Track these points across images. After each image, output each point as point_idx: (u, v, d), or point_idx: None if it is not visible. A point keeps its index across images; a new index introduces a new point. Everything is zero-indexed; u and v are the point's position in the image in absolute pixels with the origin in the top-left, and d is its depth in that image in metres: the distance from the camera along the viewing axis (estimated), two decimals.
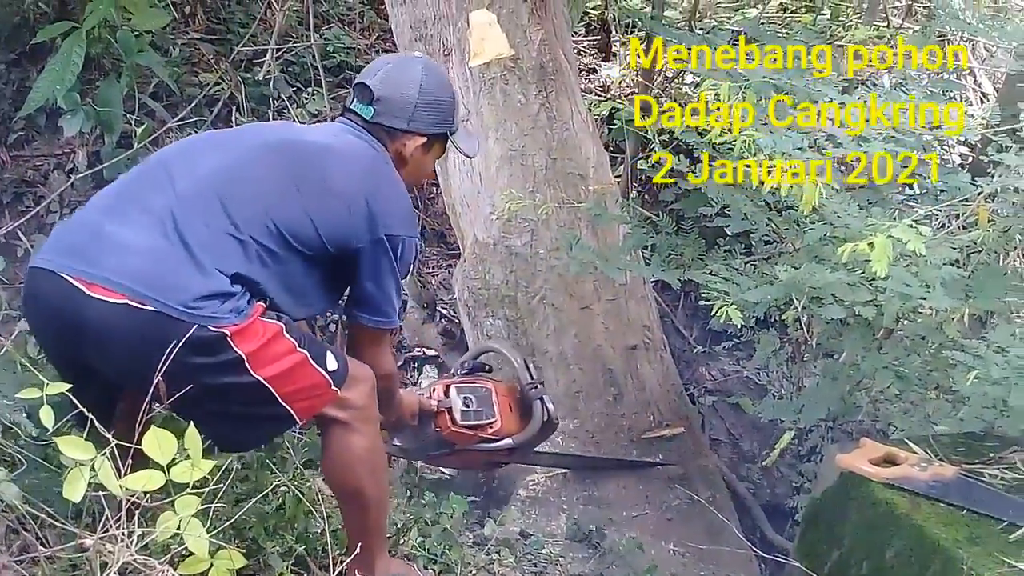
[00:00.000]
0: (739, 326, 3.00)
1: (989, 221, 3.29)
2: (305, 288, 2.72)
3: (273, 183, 2.66)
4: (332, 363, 2.64)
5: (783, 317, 3.76)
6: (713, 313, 2.91)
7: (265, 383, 2.52)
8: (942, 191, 3.35)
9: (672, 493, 3.95)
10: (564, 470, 3.98)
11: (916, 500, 2.82)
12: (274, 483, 3.13)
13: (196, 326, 2.41)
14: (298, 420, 2.65)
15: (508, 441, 3.50)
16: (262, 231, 2.58)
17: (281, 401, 2.57)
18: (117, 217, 2.56)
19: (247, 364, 2.49)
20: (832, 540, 3.00)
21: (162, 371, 2.39)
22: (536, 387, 3.62)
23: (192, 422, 2.64)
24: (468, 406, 3.44)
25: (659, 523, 3.87)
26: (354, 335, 2.90)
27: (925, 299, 2.76)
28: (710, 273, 3.12)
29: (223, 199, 2.58)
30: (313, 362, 2.59)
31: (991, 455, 3.05)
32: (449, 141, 3.01)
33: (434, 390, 3.48)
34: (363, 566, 2.83)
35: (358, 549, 2.83)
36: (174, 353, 2.38)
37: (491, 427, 3.46)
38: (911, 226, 2.29)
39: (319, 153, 2.77)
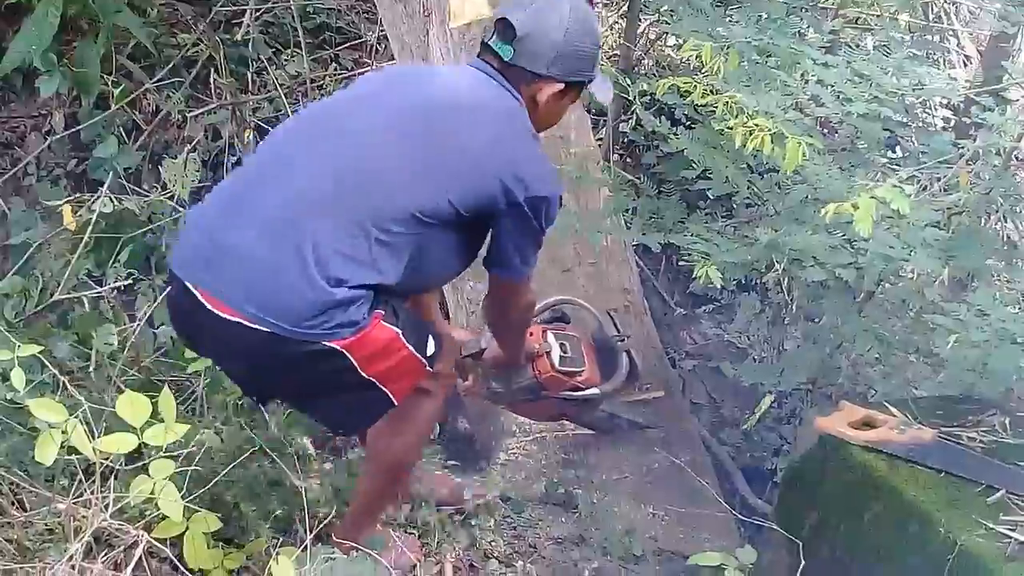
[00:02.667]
0: (720, 289, 2.99)
1: (970, 183, 3.28)
2: (437, 258, 2.66)
3: (403, 167, 2.54)
4: (431, 347, 2.66)
5: (763, 280, 3.75)
6: (694, 275, 2.90)
7: (372, 379, 2.54)
8: (924, 153, 3.33)
9: (651, 456, 3.93)
10: (595, 431, 3.94)
11: (894, 463, 2.82)
12: (254, 446, 3.13)
13: (307, 343, 2.41)
14: (395, 402, 2.65)
15: (594, 391, 3.46)
16: (393, 220, 2.49)
17: (384, 389, 2.59)
18: (233, 220, 2.50)
19: (358, 368, 2.50)
20: (810, 503, 3.00)
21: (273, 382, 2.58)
22: (623, 339, 3.59)
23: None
24: (565, 352, 3.39)
25: (638, 486, 3.85)
26: (489, 281, 2.86)
27: (907, 261, 2.75)
28: (691, 235, 3.09)
29: (347, 195, 2.49)
30: (416, 352, 2.60)
31: (970, 418, 3.06)
32: (585, 88, 2.83)
33: (531, 334, 3.37)
34: (351, 530, 2.83)
35: (353, 511, 2.89)
36: (283, 367, 2.46)
37: (581, 375, 3.41)
38: (895, 186, 2.28)
39: (452, 119, 2.63)
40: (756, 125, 2.53)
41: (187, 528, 2.37)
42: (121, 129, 5.23)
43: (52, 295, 4.05)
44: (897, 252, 2.76)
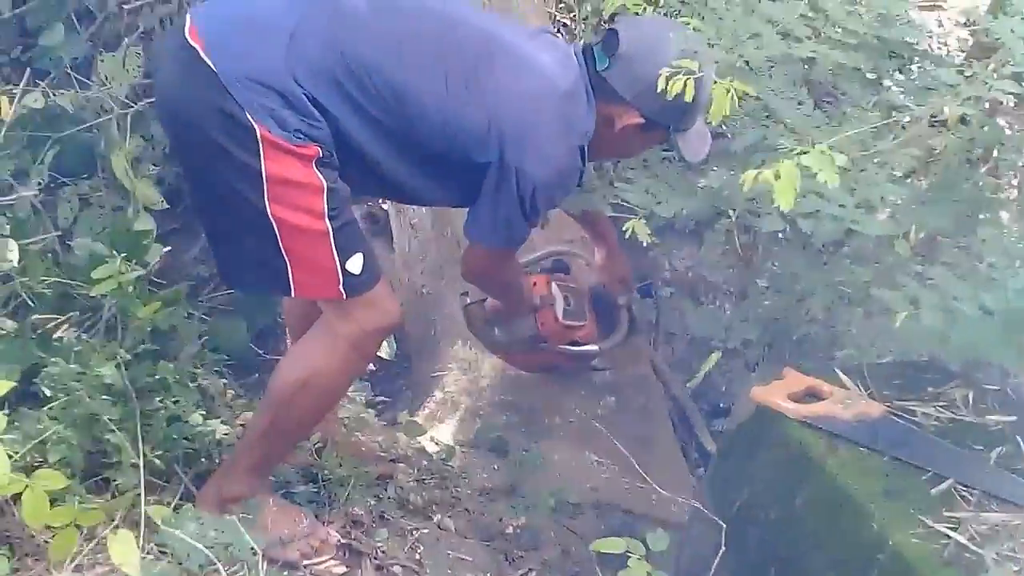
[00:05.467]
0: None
1: (962, 121, 2.93)
2: (425, 161, 2.52)
3: (419, 51, 2.45)
4: (355, 266, 2.41)
5: (716, 225, 3.45)
6: (623, 228, 2.60)
7: (272, 221, 2.33)
8: (903, 92, 2.98)
9: (601, 400, 3.68)
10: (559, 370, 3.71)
11: (833, 443, 2.56)
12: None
13: (234, 101, 2.28)
14: (292, 290, 2.43)
15: (593, 347, 3.44)
16: (378, 75, 2.39)
17: (283, 253, 2.36)
18: None
19: (264, 187, 2.30)
20: (743, 478, 2.76)
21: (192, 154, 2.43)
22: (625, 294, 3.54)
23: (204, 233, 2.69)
24: (568, 305, 3.35)
25: (584, 432, 3.59)
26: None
27: (857, 223, 2.44)
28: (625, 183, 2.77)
29: (361, 28, 2.43)
30: (333, 245, 2.37)
31: (929, 389, 2.80)
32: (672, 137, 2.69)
33: (535, 284, 3.33)
34: (223, 480, 2.60)
35: (231, 460, 2.64)
36: (204, 118, 2.31)
37: (582, 329, 3.39)
38: (824, 152, 1.95)
39: (500, 53, 2.53)
40: (678, 67, 2.20)
41: (27, 487, 2.15)
42: (73, 16, 4.88)
43: None
44: (850, 212, 2.44)
